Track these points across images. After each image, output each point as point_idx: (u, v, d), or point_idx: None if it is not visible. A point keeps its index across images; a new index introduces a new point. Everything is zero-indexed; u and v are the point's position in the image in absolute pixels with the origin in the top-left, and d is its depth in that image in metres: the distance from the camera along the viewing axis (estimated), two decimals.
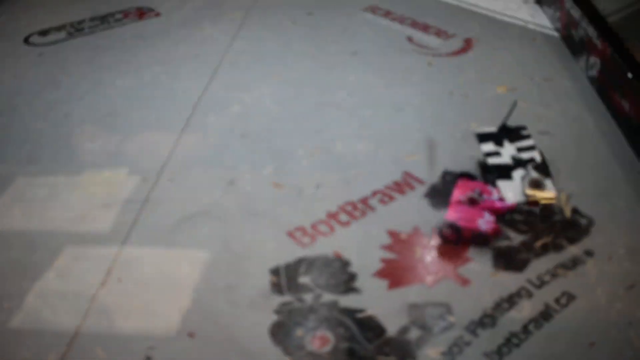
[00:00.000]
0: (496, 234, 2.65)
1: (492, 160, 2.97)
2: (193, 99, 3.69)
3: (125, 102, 3.67)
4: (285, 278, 2.45)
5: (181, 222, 2.74)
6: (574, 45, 4.29)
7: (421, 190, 2.91)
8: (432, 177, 2.99)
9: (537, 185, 2.80)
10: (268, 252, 2.58)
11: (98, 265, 2.53)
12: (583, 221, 2.74)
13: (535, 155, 2.96)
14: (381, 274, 2.48)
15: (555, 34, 4.64)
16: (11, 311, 2.35)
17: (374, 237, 2.66)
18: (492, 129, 3.17)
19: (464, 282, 2.45)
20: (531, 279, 2.45)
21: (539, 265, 2.52)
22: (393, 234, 2.68)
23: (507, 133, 3.09)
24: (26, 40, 4.50)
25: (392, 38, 4.55)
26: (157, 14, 4.97)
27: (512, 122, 3.20)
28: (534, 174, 2.82)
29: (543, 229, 2.70)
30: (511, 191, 2.80)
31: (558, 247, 2.61)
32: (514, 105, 3.10)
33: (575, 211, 2.79)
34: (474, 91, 3.81)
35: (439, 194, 2.88)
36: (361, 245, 2.62)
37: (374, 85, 3.89)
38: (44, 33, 4.61)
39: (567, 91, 3.82)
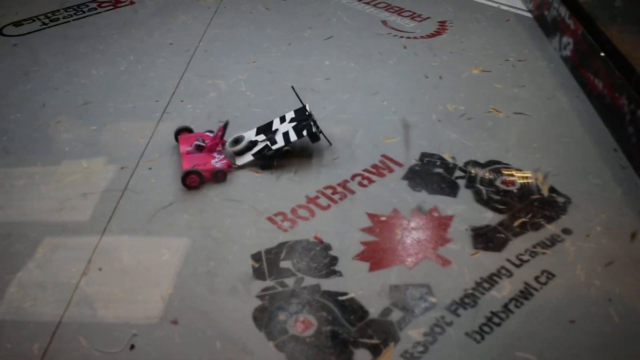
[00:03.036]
0: (230, 167, 2.97)
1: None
2: (169, 87, 3.67)
3: (100, 92, 3.64)
4: (266, 263, 2.46)
5: (160, 210, 2.73)
6: (547, 25, 4.32)
7: (400, 172, 2.93)
8: (410, 159, 3.02)
9: (236, 142, 3.07)
10: (248, 237, 2.58)
11: (78, 254, 2.51)
12: (560, 200, 2.77)
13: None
14: (362, 256, 2.49)
15: (529, 14, 4.67)
16: None
17: (354, 220, 2.68)
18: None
19: (445, 262, 2.47)
20: (510, 258, 2.48)
21: (518, 245, 2.55)
22: (373, 217, 2.69)
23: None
24: (0, 32, 4.44)
25: (366, 22, 4.56)
26: (132, 2, 4.94)
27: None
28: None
29: (521, 209, 2.73)
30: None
31: (536, 226, 2.64)
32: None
33: (552, 190, 2.83)
34: (448, 73, 3.83)
35: (418, 176, 2.90)
36: (341, 229, 2.63)
37: (349, 69, 3.90)
38: (18, 24, 4.56)
39: (541, 71, 3.85)
